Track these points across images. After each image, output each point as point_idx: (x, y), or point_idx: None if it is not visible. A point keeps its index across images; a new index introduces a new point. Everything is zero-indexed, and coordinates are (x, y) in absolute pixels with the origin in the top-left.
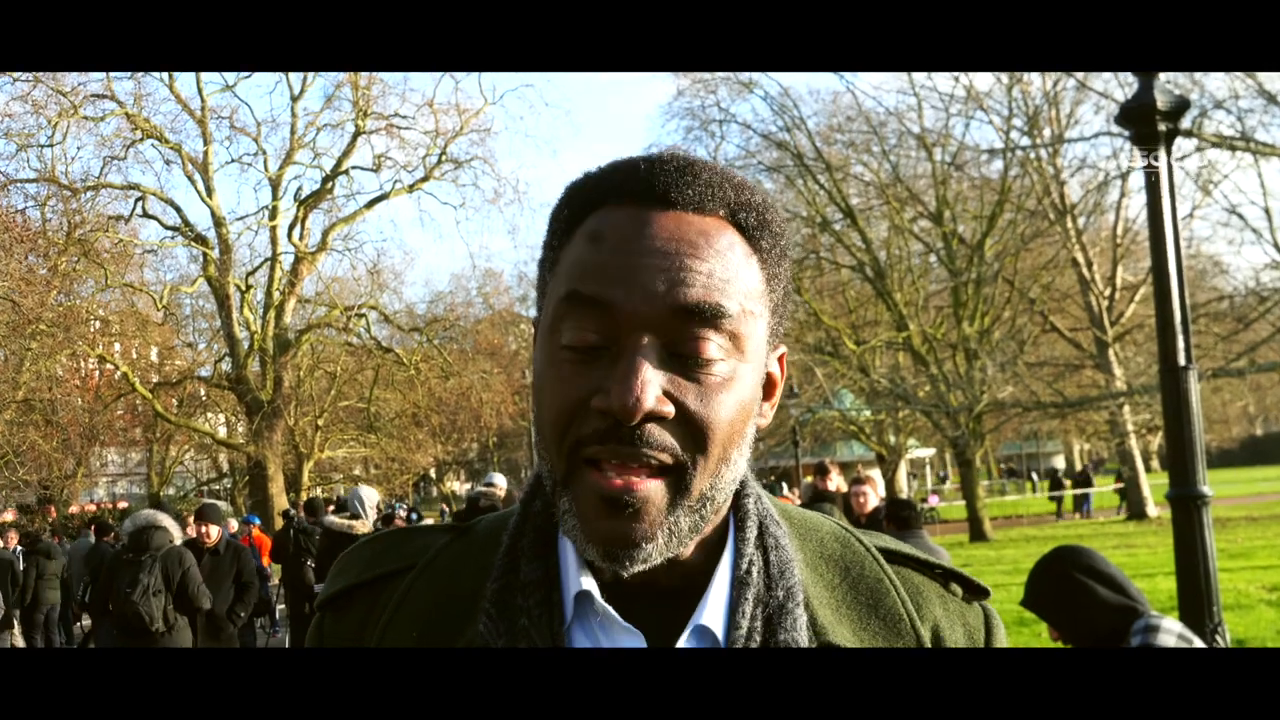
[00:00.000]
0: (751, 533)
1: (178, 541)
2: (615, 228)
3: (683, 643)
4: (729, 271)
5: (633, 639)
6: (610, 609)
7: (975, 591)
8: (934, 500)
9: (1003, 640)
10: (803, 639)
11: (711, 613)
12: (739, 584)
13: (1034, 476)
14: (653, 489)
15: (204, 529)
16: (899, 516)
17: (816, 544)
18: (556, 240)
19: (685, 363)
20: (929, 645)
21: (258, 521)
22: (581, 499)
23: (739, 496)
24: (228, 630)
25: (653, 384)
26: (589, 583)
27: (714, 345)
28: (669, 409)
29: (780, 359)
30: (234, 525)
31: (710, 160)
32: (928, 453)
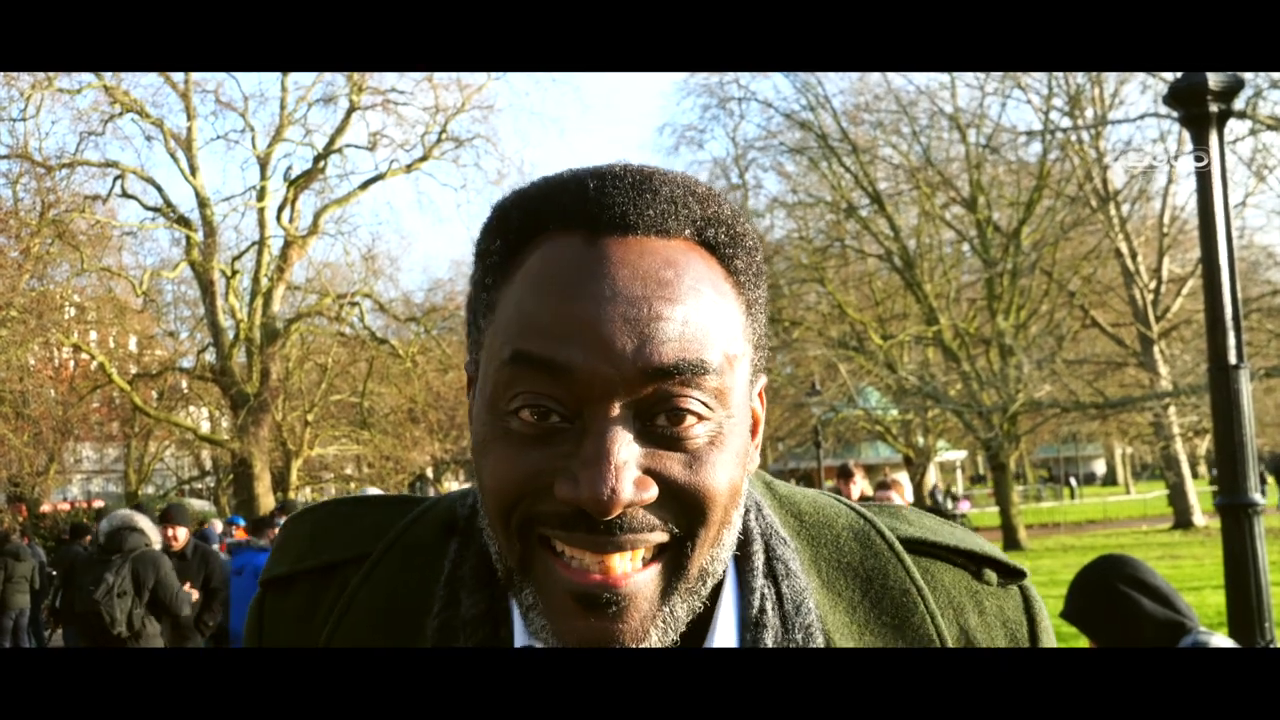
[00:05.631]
0: (758, 560)
1: (155, 545)
2: (565, 265)
3: None
4: (706, 312)
5: None
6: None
7: (1010, 574)
8: (964, 506)
9: (1045, 622)
10: None
11: None
12: (754, 626)
13: (1071, 481)
14: (642, 580)
15: (171, 531)
16: None
17: (832, 550)
18: (490, 278)
19: (664, 430)
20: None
21: (242, 523)
22: (548, 594)
23: None
24: (194, 640)
25: (629, 466)
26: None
27: (696, 403)
28: (651, 492)
29: (760, 393)
30: (218, 525)
31: (666, 169)
32: (959, 455)
